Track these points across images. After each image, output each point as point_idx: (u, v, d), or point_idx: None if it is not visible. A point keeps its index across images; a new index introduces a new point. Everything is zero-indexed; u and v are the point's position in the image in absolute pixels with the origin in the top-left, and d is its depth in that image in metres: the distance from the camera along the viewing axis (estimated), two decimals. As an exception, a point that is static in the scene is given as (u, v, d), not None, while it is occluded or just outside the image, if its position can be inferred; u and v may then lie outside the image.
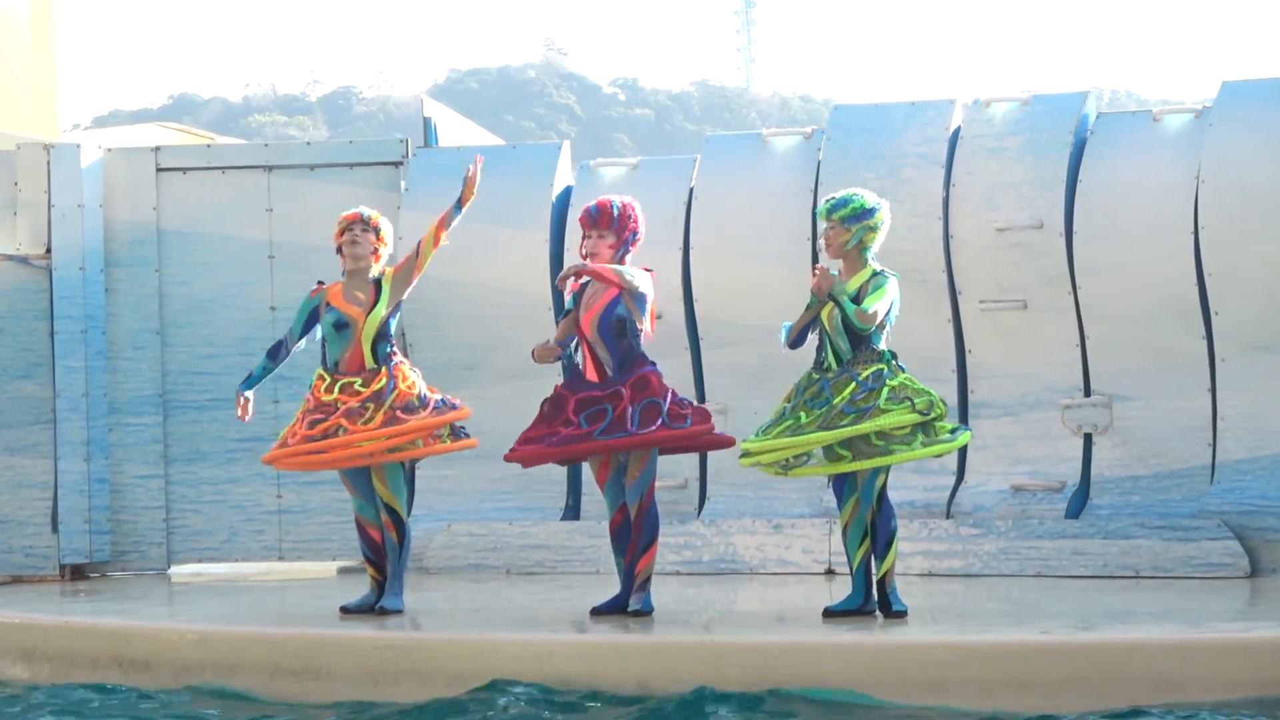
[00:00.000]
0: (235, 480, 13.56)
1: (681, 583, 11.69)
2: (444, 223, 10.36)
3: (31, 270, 13.66)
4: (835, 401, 9.28)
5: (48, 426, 13.48)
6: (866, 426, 9.17)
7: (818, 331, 9.71)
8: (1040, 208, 11.96)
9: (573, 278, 9.95)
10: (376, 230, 10.21)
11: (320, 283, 10.42)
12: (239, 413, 10.41)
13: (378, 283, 10.12)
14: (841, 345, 9.48)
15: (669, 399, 9.74)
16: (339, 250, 10.26)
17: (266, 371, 10.52)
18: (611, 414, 9.76)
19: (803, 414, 9.48)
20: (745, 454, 9.62)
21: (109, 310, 13.85)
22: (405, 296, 10.47)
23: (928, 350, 11.78)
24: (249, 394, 10.43)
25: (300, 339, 10.40)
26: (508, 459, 10.16)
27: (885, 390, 9.17)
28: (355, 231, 10.25)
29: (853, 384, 9.27)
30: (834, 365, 9.47)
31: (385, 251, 10.23)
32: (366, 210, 10.26)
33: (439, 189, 12.79)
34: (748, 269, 12.48)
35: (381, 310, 10.17)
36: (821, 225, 9.74)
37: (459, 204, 10.43)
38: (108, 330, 13.79)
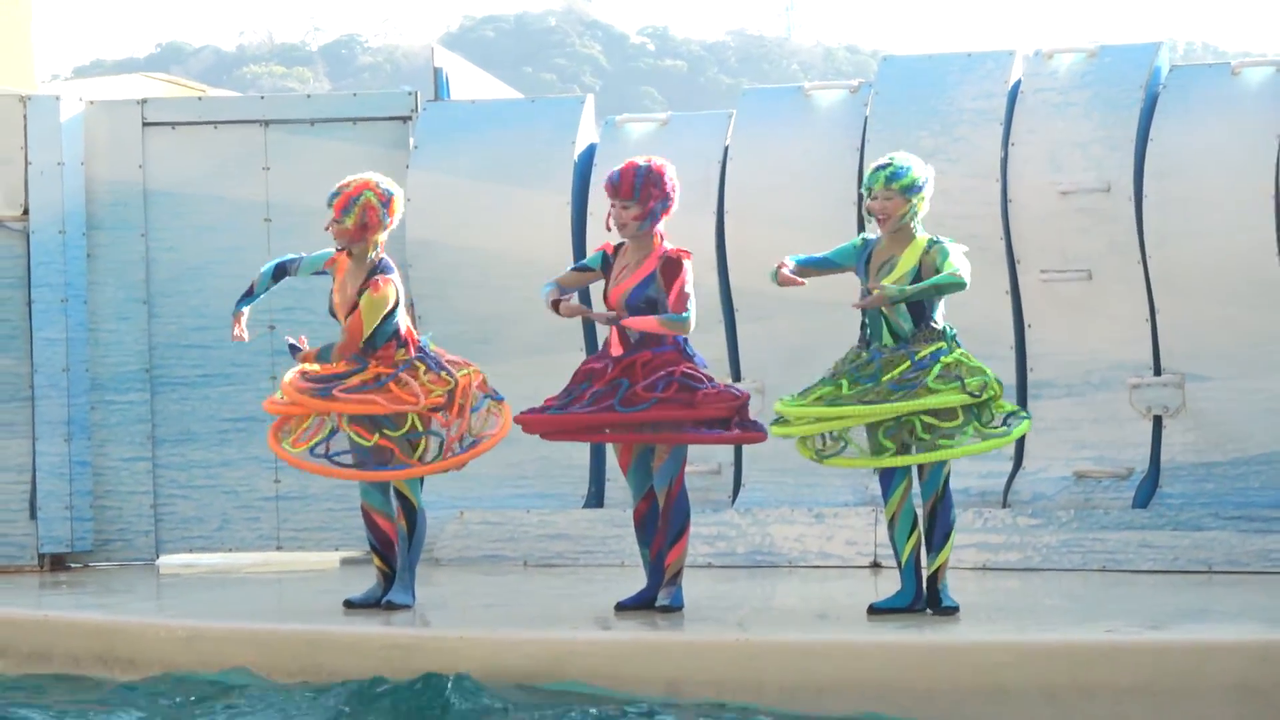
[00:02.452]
0: (228, 463, 13.49)
1: (714, 576, 11.72)
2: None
3: (7, 234, 13.49)
4: (884, 379, 9.28)
5: (25, 404, 13.32)
6: (907, 406, 9.19)
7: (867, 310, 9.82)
8: (1108, 169, 11.85)
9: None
10: (387, 205, 10.27)
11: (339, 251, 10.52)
12: (236, 331, 10.39)
13: (372, 276, 10.27)
14: (902, 324, 9.54)
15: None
16: (368, 220, 10.34)
17: (266, 290, 10.58)
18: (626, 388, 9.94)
19: (845, 382, 9.49)
20: (779, 420, 9.66)
21: (91, 278, 13.68)
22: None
23: (984, 325, 11.71)
24: (245, 310, 10.47)
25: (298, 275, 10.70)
26: (516, 420, 10.24)
27: (937, 368, 9.22)
28: (390, 217, 10.50)
29: (907, 362, 9.31)
30: (890, 342, 9.56)
31: (395, 223, 10.30)
32: (383, 183, 10.22)
33: (451, 146, 13.33)
34: (788, 235, 11.90)
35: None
36: (877, 192, 9.70)
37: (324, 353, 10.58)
38: (89, 300, 13.65)
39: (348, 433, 10.43)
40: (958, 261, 9.29)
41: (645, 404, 9.91)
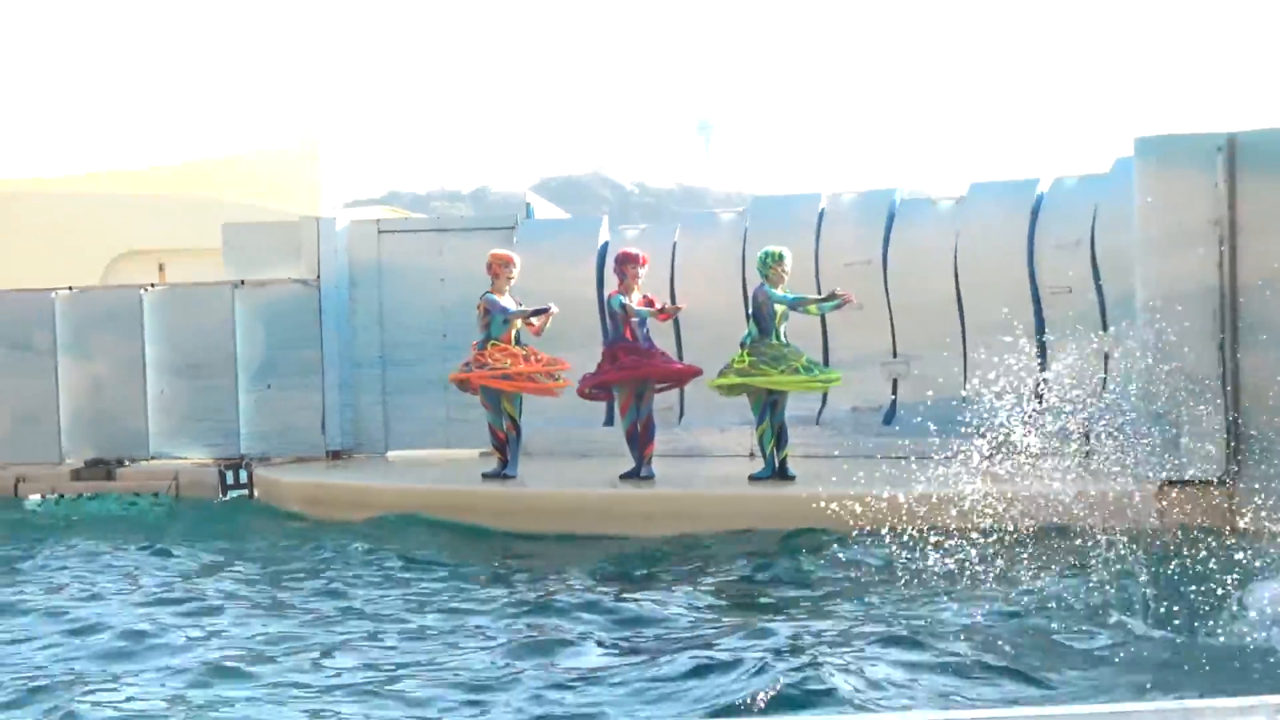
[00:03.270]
0: (421, 403, 18.53)
1: (667, 463, 16.15)
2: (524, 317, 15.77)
3: (309, 288, 18.60)
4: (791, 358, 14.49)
5: (317, 375, 18.52)
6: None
7: (781, 316, 14.62)
8: (870, 252, 17.03)
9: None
10: (510, 264, 15.71)
11: (518, 302, 15.63)
12: (537, 322, 15.50)
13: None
14: (781, 328, 14.60)
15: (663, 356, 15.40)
16: (494, 273, 15.69)
17: (508, 323, 15.60)
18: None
19: (756, 359, 14.51)
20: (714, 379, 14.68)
21: (351, 309, 18.92)
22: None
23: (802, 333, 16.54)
24: (515, 319, 15.45)
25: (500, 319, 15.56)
26: (581, 393, 15.82)
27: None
28: (511, 268, 15.80)
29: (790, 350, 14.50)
30: (779, 337, 14.60)
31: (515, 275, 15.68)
32: (510, 254, 15.75)
33: (535, 241, 18.10)
34: (706, 286, 17.52)
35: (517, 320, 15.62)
36: (772, 266, 14.67)
37: (530, 316, 15.74)
38: (351, 321, 18.90)
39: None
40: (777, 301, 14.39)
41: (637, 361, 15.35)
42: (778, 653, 9.21)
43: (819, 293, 15.60)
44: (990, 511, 11.59)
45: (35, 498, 18.37)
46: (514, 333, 15.86)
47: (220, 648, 10.28)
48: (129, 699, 8.87)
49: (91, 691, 8.99)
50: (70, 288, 19.26)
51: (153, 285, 19.40)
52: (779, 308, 14.65)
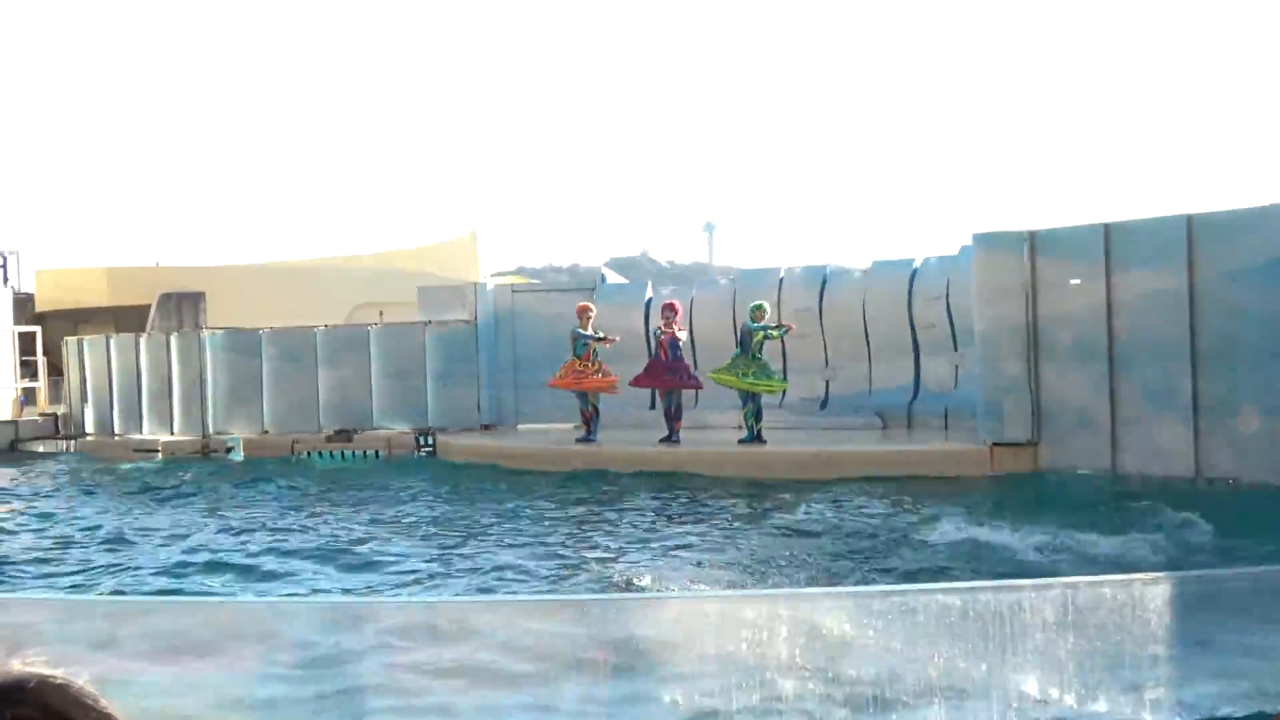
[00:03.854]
0: (536, 394, 17.89)
1: (688, 432, 15.91)
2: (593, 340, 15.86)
3: (470, 325, 18.41)
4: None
5: (474, 378, 18.20)
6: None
7: (758, 343, 14.86)
8: (810, 302, 16.99)
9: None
10: (591, 311, 16.15)
11: (595, 333, 15.80)
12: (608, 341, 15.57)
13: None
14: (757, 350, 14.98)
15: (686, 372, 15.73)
16: (580, 315, 15.97)
17: (587, 346, 15.75)
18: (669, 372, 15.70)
19: (741, 369, 15.03)
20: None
21: (495, 338, 18.57)
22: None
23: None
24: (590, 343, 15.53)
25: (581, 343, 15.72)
26: (631, 384, 16.01)
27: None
28: (590, 313, 16.15)
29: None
30: (757, 356, 15.00)
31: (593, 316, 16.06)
32: (592, 306, 16.31)
33: (608, 299, 18.25)
34: (711, 323, 17.45)
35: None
36: (755, 313, 14.87)
37: (599, 340, 15.81)
38: (495, 345, 18.60)
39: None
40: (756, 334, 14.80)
41: (676, 375, 15.71)
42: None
43: (779, 326, 15.56)
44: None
45: (304, 453, 18.28)
46: (592, 351, 15.90)
47: (433, 522, 12.00)
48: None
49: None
50: (325, 325, 19.42)
51: (376, 324, 19.47)
52: (757, 335, 14.79)
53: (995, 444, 13.19)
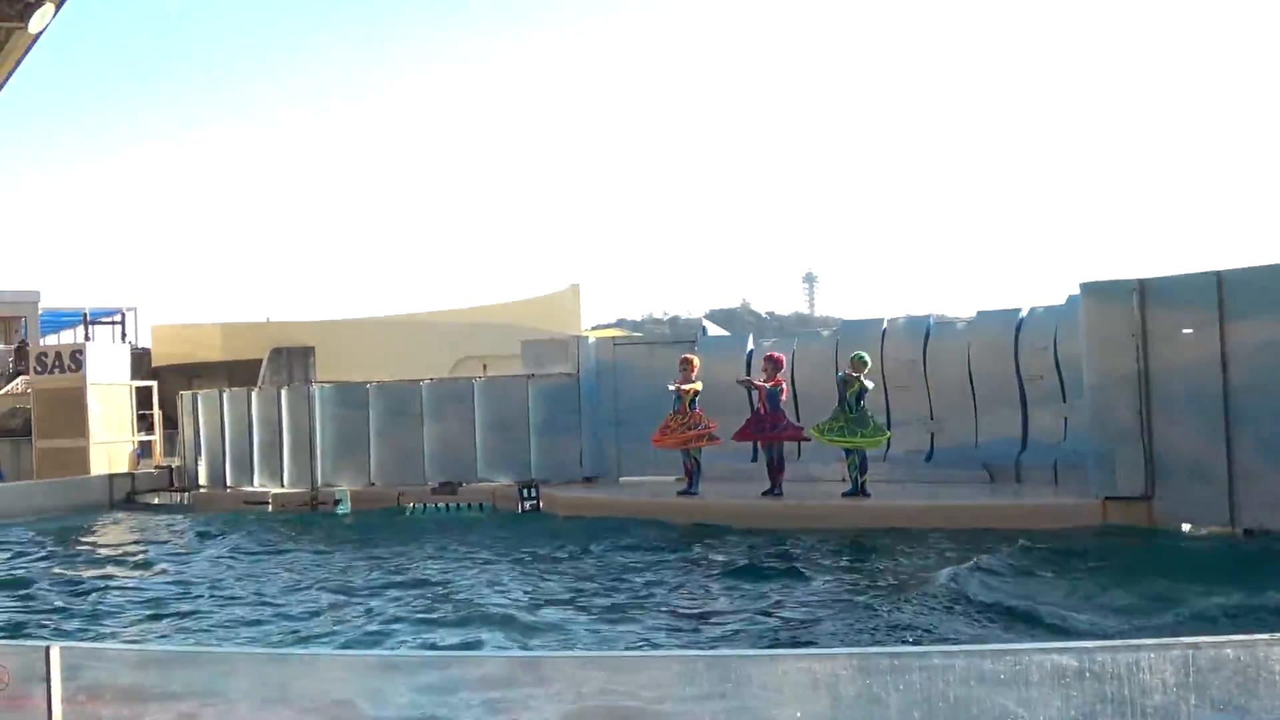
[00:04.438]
0: (639, 447, 17.50)
1: (791, 485, 15.66)
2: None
3: (572, 378, 18.38)
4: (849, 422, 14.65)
5: (577, 430, 18.27)
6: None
7: (855, 392, 14.46)
8: (914, 353, 16.70)
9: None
10: (692, 362, 16.04)
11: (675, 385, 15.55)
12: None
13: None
14: (856, 400, 14.57)
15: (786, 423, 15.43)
16: (683, 368, 15.74)
17: (681, 399, 15.59)
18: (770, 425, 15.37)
19: (841, 424, 14.66)
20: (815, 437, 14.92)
21: (597, 392, 18.50)
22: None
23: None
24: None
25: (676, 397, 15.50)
26: (734, 439, 15.65)
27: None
28: (691, 364, 15.87)
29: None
30: (854, 408, 14.59)
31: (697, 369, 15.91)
32: (695, 358, 16.03)
33: (707, 350, 17.91)
34: (812, 374, 17.05)
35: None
36: (854, 362, 14.62)
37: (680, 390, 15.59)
38: (597, 398, 18.41)
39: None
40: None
41: (777, 428, 15.46)
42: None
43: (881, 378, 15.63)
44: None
45: (410, 505, 18.22)
46: (688, 403, 15.88)
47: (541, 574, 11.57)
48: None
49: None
50: (430, 379, 19.45)
51: (480, 377, 19.51)
52: (855, 386, 14.60)
53: (1108, 498, 12.85)
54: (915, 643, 7.55)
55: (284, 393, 20.20)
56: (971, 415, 16.50)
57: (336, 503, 18.72)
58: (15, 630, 9.00)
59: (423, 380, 19.19)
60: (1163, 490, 12.73)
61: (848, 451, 14.94)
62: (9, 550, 14.77)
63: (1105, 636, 7.31)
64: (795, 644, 7.89)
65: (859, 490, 14.86)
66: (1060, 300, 15.78)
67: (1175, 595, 8.99)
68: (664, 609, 9.60)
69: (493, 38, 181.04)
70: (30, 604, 10.54)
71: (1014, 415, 16.22)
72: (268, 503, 19.32)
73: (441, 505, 17.96)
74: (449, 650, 7.64)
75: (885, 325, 17.47)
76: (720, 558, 12.18)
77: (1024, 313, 16.44)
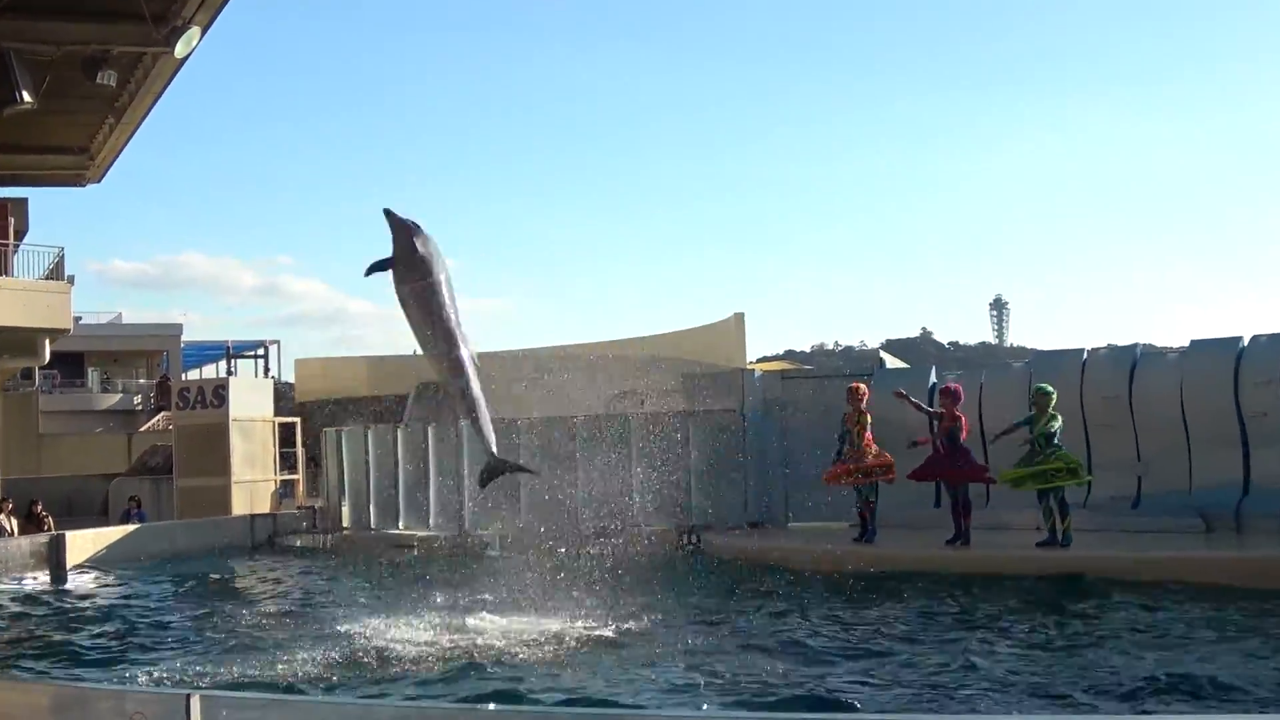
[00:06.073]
0: (809, 491, 16.78)
1: (980, 534, 14.62)
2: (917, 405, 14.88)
3: (737, 415, 18.06)
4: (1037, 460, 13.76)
5: (741, 472, 17.62)
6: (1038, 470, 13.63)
7: (1042, 429, 13.70)
8: (1119, 388, 15.75)
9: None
10: (861, 392, 15.25)
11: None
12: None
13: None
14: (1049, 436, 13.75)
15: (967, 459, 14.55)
16: (851, 397, 15.03)
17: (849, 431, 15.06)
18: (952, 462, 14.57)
19: (1030, 465, 13.79)
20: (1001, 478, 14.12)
21: (764, 429, 18.16)
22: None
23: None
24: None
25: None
26: (909, 477, 14.94)
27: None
28: (860, 394, 15.20)
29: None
30: (1045, 445, 13.72)
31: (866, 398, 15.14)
32: (863, 385, 15.49)
33: (884, 384, 16.91)
34: (1002, 412, 15.38)
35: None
36: (1037, 397, 13.87)
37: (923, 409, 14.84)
38: (764, 437, 18.10)
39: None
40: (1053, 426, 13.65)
41: (957, 466, 14.60)
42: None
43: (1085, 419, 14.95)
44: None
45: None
46: (856, 435, 15.22)
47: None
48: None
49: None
50: (584, 415, 19.03)
51: (637, 413, 18.94)
52: (1041, 422, 13.81)
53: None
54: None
55: (430, 430, 19.74)
56: (1184, 457, 15.41)
57: (485, 547, 18.06)
58: (157, 680, 8.81)
59: (576, 416, 18.72)
60: None
61: (1041, 495, 13.87)
62: (149, 598, 14.55)
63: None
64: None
65: (1055, 538, 13.79)
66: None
67: None
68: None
69: (675, 64, 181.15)
70: (167, 650, 10.46)
71: (1234, 457, 15.07)
72: (414, 545, 18.78)
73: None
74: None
75: (1086, 356, 16.45)
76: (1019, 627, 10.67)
77: (1245, 341, 15.49)
